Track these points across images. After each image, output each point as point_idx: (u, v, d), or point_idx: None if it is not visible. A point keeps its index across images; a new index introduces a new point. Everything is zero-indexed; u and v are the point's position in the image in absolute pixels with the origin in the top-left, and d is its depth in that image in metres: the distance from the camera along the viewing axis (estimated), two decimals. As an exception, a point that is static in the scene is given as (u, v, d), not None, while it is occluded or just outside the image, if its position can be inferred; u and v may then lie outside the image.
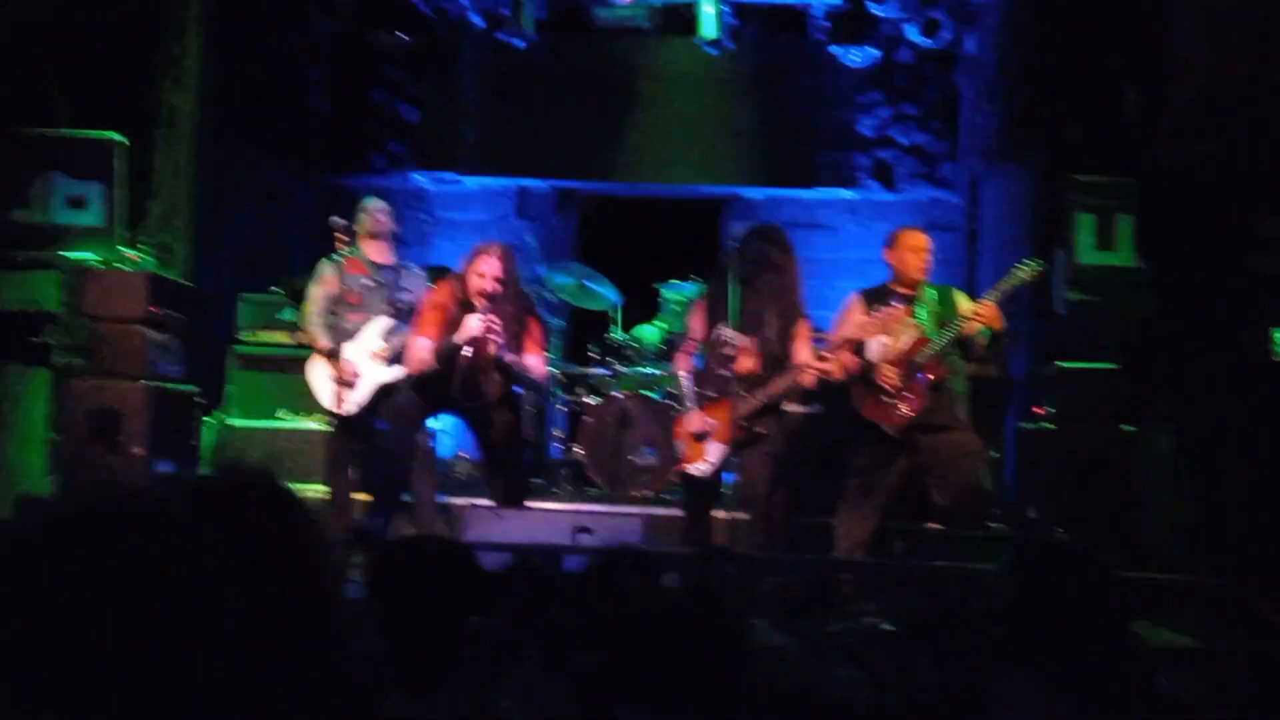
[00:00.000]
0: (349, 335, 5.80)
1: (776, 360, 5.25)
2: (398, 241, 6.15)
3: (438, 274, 6.18)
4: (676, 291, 7.54)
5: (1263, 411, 4.87)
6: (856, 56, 8.49)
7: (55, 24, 5.74)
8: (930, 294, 5.36)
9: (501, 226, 8.78)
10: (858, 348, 5.34)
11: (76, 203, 5.76)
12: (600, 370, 7.40)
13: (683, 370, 5.52)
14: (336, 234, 5.74)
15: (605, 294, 7.66)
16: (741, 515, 5.28)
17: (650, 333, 7.55)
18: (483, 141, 9.00)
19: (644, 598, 2.33)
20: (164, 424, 5.80)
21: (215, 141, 6.88)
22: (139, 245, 5.93)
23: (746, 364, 5.28)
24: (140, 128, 6.09)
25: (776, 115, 8.87)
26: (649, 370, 7.33)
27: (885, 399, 5.20)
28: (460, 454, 7.45)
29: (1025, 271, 5.19)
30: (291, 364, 6.48)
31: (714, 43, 8.32)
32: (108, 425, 5.52)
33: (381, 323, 5.84)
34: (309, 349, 6.00)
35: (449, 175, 9.03)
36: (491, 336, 5.30)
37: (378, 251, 5.99)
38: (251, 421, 6.66)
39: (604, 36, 8.96)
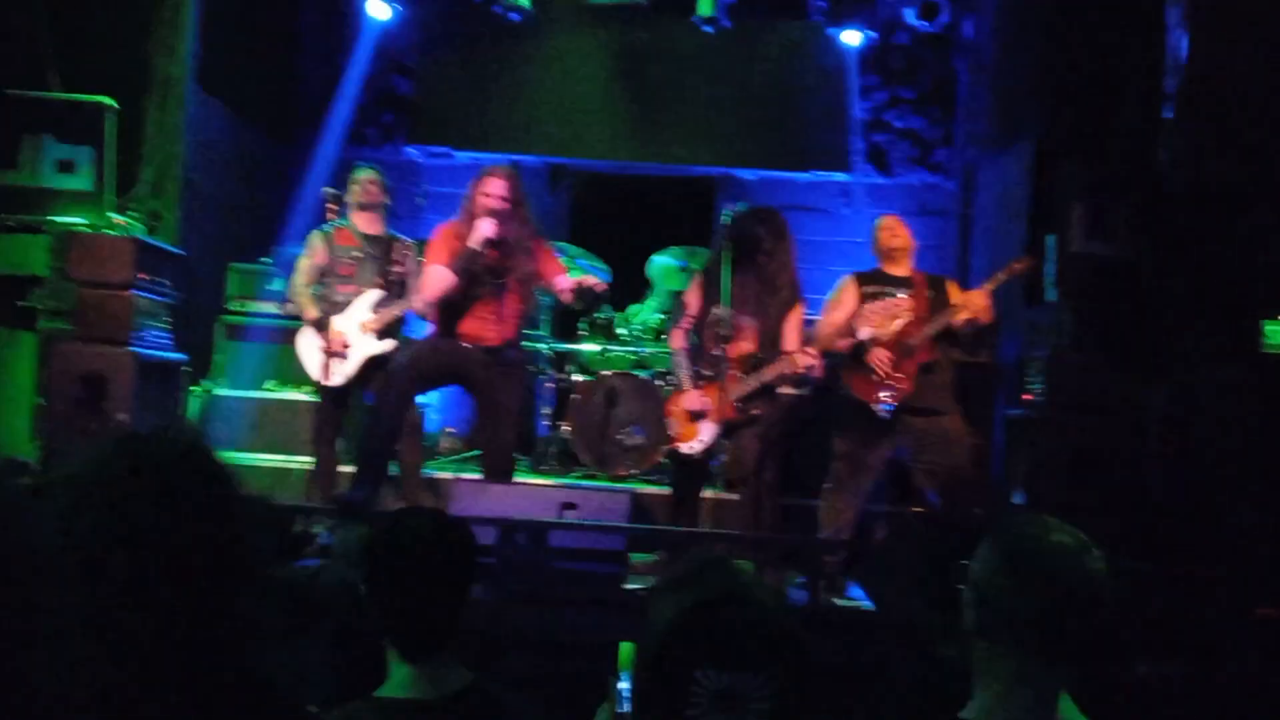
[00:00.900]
0: (339, 307, 5.77)
1: (773, 342, 5.24)
2: (389, 214, 6.12)
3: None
4: (664, 262, 7.53)
5: (1254, 402, 4.88)
6: (853, 39, 8.46)
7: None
8: (922, 280, 5.39)
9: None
10: (850, 329, 5.36)
11: (66, 166, 5.71)
12: (589, 347, 7.39)
13: (678, 346, 5.50)
14: (328, 204, 5.71)
15: (595, 272, 7.64)
16: (729, 495, 5.28)
17: (647, 314, 7.55)
18: (475, 116, 8.94)
19: None
20: (150, 391, 5.77)
21: (207, 110, 6.84)
22: (128, 211, 5.88)
23: (743, 346, 5.27)
24: (131, 94, 6.04)
25: (772, 96, 8.84)
26: (637, 349, 7.32)
27: (876, 380, 5.21)
28: (447, 428, 7.43)
29: (1019, 265, 5.22)
30: (280, 334, 6.46)
31: (711, 21, 8.28)
32: (93, 391, 5.49)
33: (372, 295, 5.81)
34: (297, 320, 5.98)
35: (441, 149, 8.99)
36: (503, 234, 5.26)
37: (368, 223, 5.95)
38: (238, 391, 6.64)
39: (600, 13, 8.90)
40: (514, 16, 8.46)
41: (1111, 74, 5.99)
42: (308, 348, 5.89)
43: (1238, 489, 4.86)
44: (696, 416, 5.29)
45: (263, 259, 7.01)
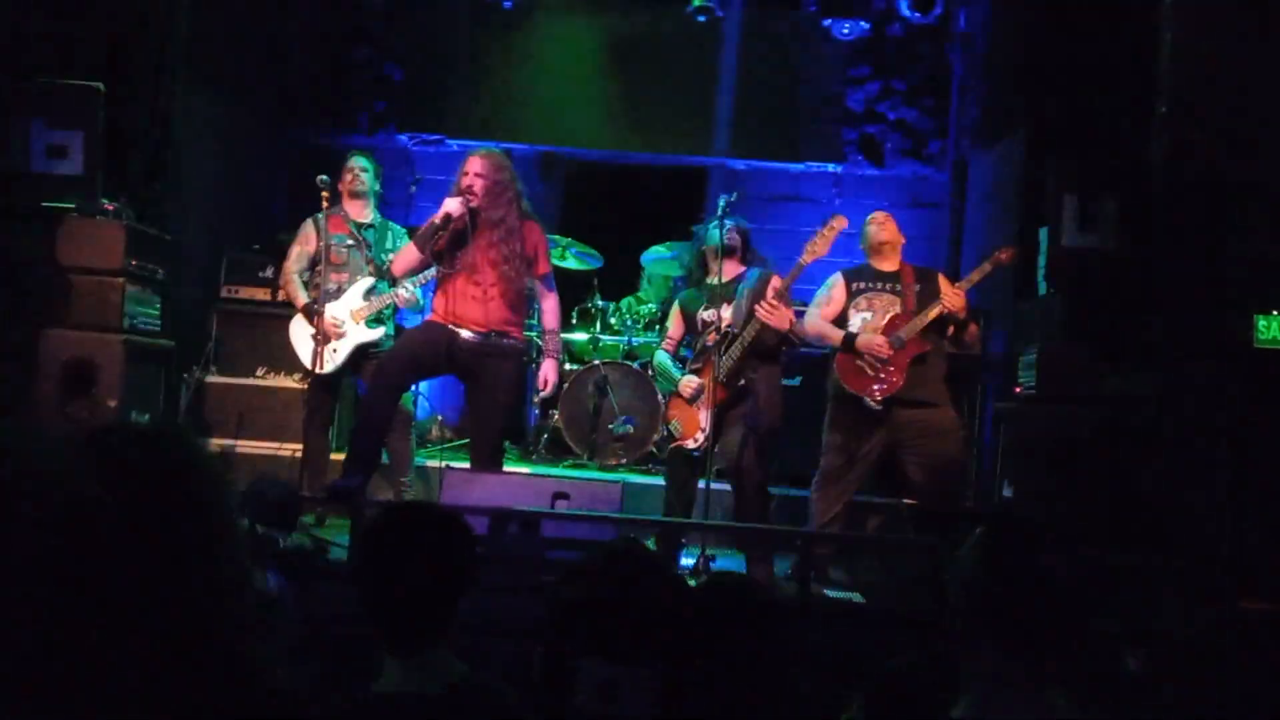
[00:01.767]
0: (331, 294, 5.76)
1: (748, 315, 5.25)
2: (381, 201, 6.10)
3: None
4: (656, 259, 7.54)
5: (1243, 396, 4.90)
6: (847, 29, 8.45)
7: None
8: (911, 273, 5.42)
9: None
10: (840, 321, 5.38)
11: (56, 151, 5.66)
12: (580, 336, 7.39)
13: (661, 359, 5.65)
14: (322, 192, 5.69)
15: (586, 261, 7.63)
16: (722, 486, 5.29)
17: (640, 304, 7.56)
18: (467, 104, 8.92)
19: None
20: (140, 378, 5.75)
21: (199, 96, 6.80)
22: (119, 197, 5.85)
23: (723, 326, 5.31)
24: (123, 80, 6.00)
25: (764, 86, 8.82)
26: (628, 339, 7.32)
27: (868, 371, 5.23)
28: (437, 416, 7.44)
29: (1003, 255, 5.24)
30: (272, 321, 6.44)
31: (704, 10, 8.26)
32: (83, 377, 5.46)
33: (365, 283, 5.81)
34: (289, 307, 5.97)
35: (433, 136, 8.96)
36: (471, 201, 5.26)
37: (360, 210, 5.95)
38: (230, 378, 6.62)
39: (594, 1, 8.88)
40: (506, 4, 8.44)
41: (1103, 67, 6.00)
42: (300, 336, 5.89)
43: (1225, 482, 4.88)
44: (694, 399, 5.32)
45: (254, 245, 6.99)
